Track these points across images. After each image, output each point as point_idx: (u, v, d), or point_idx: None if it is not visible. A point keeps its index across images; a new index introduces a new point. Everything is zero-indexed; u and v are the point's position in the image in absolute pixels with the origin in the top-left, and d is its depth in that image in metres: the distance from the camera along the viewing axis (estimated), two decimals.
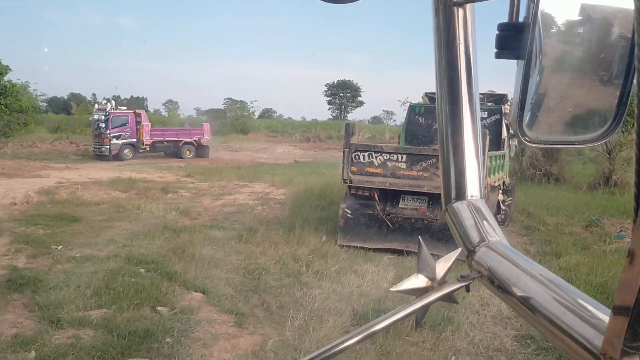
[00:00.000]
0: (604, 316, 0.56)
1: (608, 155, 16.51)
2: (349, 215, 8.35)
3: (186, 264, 7.03)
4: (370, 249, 8.10)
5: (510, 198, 10.15)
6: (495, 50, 0.82)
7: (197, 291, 6.09)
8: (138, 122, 25.77)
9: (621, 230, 9.84)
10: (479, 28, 0.91)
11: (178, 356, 4.45)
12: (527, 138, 0.82)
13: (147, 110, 33.86)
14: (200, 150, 27.86)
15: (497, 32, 0.81)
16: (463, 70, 0.87)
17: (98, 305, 5.48)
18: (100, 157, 24.90)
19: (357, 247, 8.13)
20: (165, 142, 27.26)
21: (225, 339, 4.93)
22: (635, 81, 0.53)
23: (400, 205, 8.24)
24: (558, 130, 0.86)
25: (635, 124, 0.47)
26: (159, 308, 5.50)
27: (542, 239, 9.13)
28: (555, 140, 0.88)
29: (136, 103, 57.68)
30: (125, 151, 25.38)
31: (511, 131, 10.00)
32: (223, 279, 6.56)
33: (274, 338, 4.94)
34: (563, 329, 0.59)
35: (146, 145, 26.12)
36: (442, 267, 0.79)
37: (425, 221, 7.98)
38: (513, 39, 0.80)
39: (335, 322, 5.23)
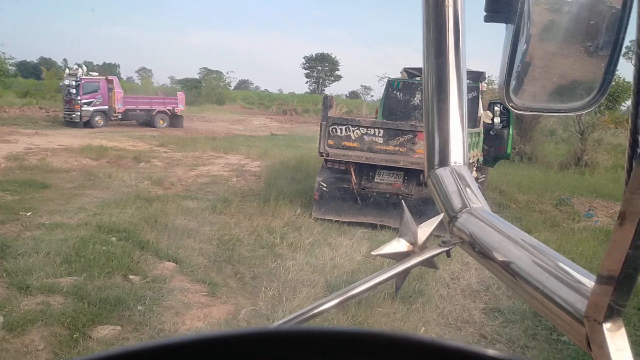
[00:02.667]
0: (586, 280, 0.56)
1: (580, 136, 16.83)
2: (325, 189, 8.35)
3: (159, 234, 6.96)
4: (344, 222, 8.13)
5: (484, 175, 10.28)
6: (485, 13, 0.80)
7: (169, 260, 6.04)
8: (110, 89, 25.03)
9: (590, 210, 10.09)
10: None
11: (150, 324, 4.44)
12: (513, 104, 0.81)
13: (119, 78, 32.94)
14: (174, 119, 27.26)
15: None
16: (451, 35, 0.85)
17: (68, 272, 5.40)
18: (70, 123, 24.17)
19: (331, 220, 8.16)
20: (138, 111, 26.55)
21: (197, 307, 4.93)
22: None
23: (375, 180, 8.28)
24: (544, 97, 0.85)
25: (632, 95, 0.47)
26: (131, 276, 5.45)
27: (512, 216, 9.29)
28: (541, 107, 0.87)
29: (108, 69, 56.18)
30: (97, 118, 24.69)
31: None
32: (196, 249, 6.53)
33: (247, 307, 4.95)
34: (545, 293, 0.59)
35: (118, 112, 25.44)
36: (423, 232, 0.79)
37: (400, 196, 8.03)
38: (504, 2, 0.78)
39: (309, 293, 5.26)
